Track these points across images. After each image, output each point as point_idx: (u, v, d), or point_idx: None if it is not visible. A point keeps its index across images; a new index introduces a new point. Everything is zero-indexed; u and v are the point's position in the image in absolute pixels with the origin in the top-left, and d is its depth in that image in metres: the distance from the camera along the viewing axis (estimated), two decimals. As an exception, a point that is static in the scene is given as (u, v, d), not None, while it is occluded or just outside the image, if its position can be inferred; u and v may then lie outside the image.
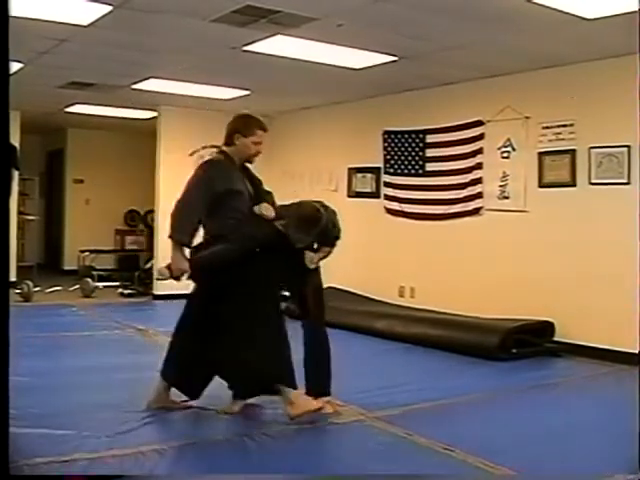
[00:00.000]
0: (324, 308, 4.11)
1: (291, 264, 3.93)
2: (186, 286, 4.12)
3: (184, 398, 4.02)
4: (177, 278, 3.86)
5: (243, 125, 3.92)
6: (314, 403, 3.76)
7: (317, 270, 4.08)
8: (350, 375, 4.65)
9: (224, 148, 3.93)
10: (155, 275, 3.97)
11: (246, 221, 3.83)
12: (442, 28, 5.03)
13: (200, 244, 3.90)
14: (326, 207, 3.99)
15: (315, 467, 3.31)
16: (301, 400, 3.73)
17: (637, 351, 5.02)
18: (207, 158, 3.91)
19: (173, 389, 4.00)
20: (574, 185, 5.96)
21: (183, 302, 4.15)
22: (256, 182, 4.04)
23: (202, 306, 3.92)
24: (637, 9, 3.97)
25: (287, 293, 4.19)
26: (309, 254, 3.95)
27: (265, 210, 3.83)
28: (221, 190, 3.77)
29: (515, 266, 6.39)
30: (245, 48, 5.67)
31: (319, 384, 3.96)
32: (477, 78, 6.67)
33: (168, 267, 3.83)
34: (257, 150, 3.93)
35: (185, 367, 3.93)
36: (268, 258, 3.84)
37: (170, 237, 3.82)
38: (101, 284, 9.62)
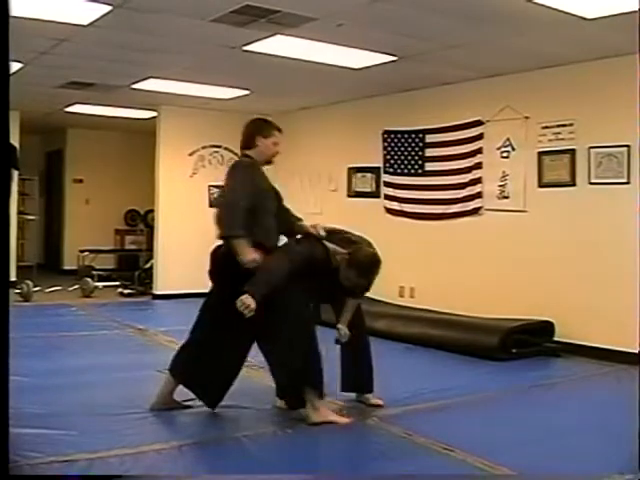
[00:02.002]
0: (363, 317, 4.30)
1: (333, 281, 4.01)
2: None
3: (184, 397, 4.02)
4: None
5: (262, 127, 4.04)
6: (336, 417, 3.83)
7: None
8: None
9: (246, 152, 4.00)
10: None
11: (305, 241, 3.93)
12: (442, 28, 5.03)
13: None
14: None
15: (315, 467, 3.31)
16: (324, 410, 3.79)
17: (637, 351, 5.02)
18: (238, 159, 4.04)
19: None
20: (574, 185, 5.97)
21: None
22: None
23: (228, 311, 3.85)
24: (637, 9, 3.98)
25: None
26: (342, 329, 4.09)
27: (322, 230, 3.96)
28: (257, 190, 3.82)
29: (515, 266, 6.39)
30: (244, 48, 5.67)
31: (363, 383, 4.24)
32: (476, 78, 6.67)
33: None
34: (276, 150, 4.04)
35: (207, 374, 3.91)
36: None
37: (229, 236, 3.70)
38: (101, 284, 9.62)
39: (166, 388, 3.99)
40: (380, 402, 4.19)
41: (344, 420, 3.84)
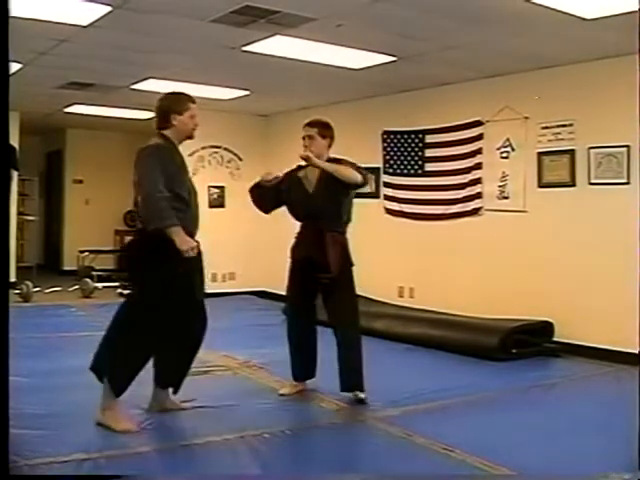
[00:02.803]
0: (357, 313, 4.34)
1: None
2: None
3: (183, 399, 4.02)
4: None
5: (176, 103, 3.79)
6: (122, 424, 3.59)
7: (350, 279, 4.42)
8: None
9: (162, 132, 3.80)
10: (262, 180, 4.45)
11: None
12: (441, 29, 5.03)
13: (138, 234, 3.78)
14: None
15: (315, 467, 3.31)
16: (113, 413, 3.63)
17: (637, 351, 5.02)
18: (149, 143, 3.79)
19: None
20: (573, 185, 5.97)
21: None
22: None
23: None
24: (637, 9, 3.98)
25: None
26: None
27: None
28: (169, 173, 3.68)
29: (514, 266, 6.39)
30: (244, 48, 5.67)
31: (349, 381, 4.20)
32: (476, 78, 6.67)
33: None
34: (195, 123, 3.81)
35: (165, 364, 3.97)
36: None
37: (166, 227, 3.59)
38: (100, 284, 9.59)
39: (157, 389, 3.99)
40: (362, 396, 4.19)
41: (126, 427, 3.59)
